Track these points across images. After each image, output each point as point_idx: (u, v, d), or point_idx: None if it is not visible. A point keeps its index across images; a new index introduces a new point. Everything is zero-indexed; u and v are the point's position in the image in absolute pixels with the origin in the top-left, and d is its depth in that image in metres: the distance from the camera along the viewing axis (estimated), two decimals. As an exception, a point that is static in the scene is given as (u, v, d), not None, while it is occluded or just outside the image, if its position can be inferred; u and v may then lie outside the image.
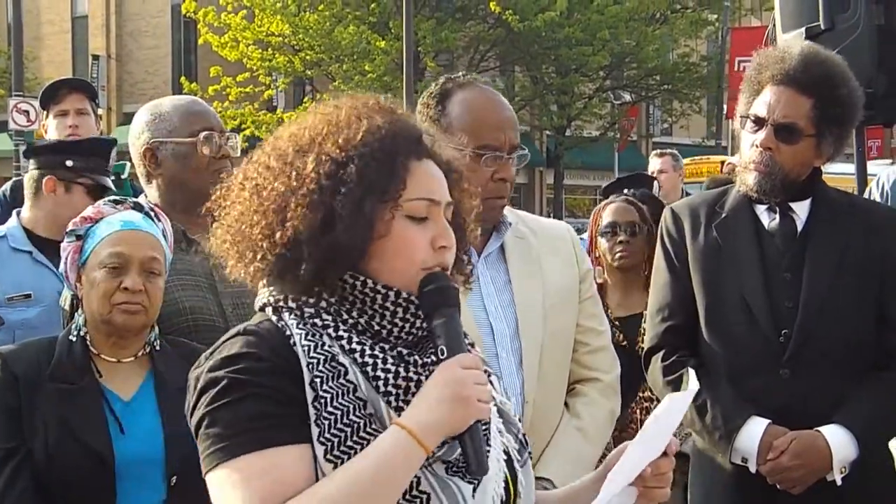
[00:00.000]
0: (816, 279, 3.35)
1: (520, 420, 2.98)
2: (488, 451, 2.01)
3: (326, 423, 1.91)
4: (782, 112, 3.35)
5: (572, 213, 36.40)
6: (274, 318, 2.02)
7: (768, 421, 3.30)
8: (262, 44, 29.26)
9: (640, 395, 4.60)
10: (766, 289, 3.36)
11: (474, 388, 1.94)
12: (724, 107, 28.52)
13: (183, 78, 31.49)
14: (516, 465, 2.11)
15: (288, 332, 1.99)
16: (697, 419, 3.40)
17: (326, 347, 1.97)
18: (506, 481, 2.06)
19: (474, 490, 1.96)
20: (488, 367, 2.20)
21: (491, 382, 2.16)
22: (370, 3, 29.08)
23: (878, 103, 5.30)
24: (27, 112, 19.28)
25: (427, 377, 1.97)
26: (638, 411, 4.68)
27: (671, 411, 2.14)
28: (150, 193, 3.52)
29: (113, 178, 5.36)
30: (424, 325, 2.03)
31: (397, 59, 27.15)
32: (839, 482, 3.25)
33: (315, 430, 1.91)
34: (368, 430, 1.92)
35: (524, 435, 2.19)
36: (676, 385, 3.43)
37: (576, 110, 32.81)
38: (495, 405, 2.14)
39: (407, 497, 1.92)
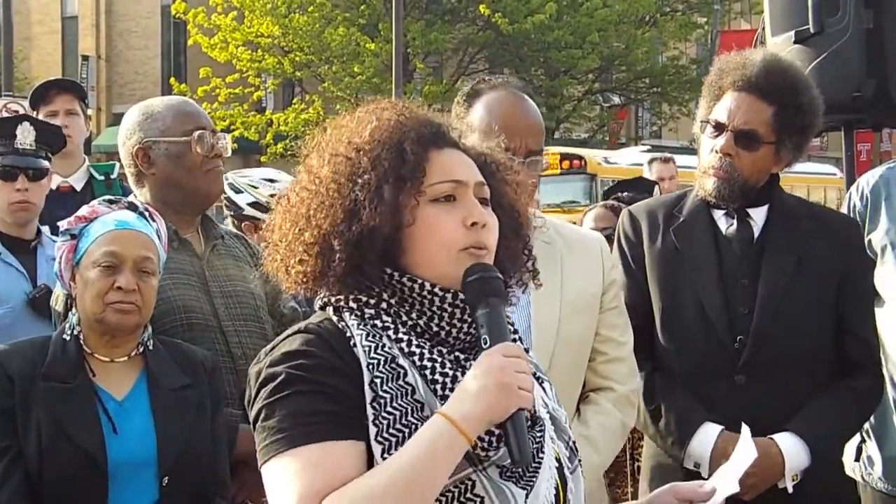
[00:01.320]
0: (772, 285, 3.35)
1: None
2: (537, 446, 2.02)
3: (385, 423, 1.94)
4: (742, 118, 3.34)
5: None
6: (335, 318, 2.05)
7: (722, 427, 3.29)
8: (252, 45, 29.22)
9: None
10: (722, 294, 3.36)
11: (515, 375, 1.93)
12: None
13: (172, 79, 31.42)
14: (566, 471, 2.12)
15: (348, 333, 2.02)
16: (651, 424, 3.40)
17: (387, 349, 2.00)
18: (556, 488, 2.07)
19: (527, 496, 1.97)
20: (540, 371, 2.22)
21: (544, 389, 2.19)
22: (360, 5, 29.08)
23: (867, 107, 5.34)
24: (17, 112, 19.22)
25: None
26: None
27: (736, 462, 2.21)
28: (141, 193, 3.52)
29: (102, 178, 5.37)
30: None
31: (387, 61, 27.15)
32: (790, 489, 3.27)
33: (373, 430, 1.93)
34: None
35: (574, 442, 2.20)
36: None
37: (565, 113, 32.82)
38: (548, 412, 2.14)
39: (461, 499, 1.94)
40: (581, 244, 3.28)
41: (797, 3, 5.44)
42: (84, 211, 3.12)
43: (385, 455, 1.92)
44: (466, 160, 2.12)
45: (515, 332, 2.15)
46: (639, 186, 6.91)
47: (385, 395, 1.96)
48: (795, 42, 5.35)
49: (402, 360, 1.99)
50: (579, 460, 2.19)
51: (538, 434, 2.04)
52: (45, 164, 4.39)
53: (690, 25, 33.32)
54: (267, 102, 31.94)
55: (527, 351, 2.15)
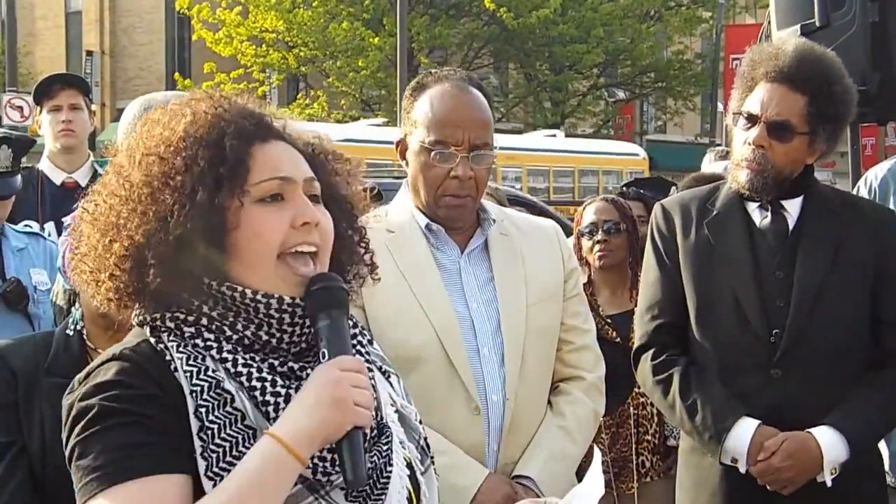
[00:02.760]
0: (808, 278, 3.31)
1: (501, 417, 3.00)
2: (385, 460, 1.91)
3: (214, 456, 1.78)
4: (775, 110, 3.31)
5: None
6: (153, 340, 1.87)
7: (759, 421, 3.27)
8: (256, 40, 29.25)
9: (637, 390, 4.60)
10: (757, 287, 3.33)
11: (350, 390, 1.80)
12: (721, 105, 28.52)
13: (177, 74, 31.44)
14: (418, 475, 2.00)
15: (168, 356, 1.84)
16: (687, 419, 3.36)
17: (210, 373, 1.82)
18: (409, 496, 1.95)
19: None
20: (386, 364, 2.11)
21: (391, 383, 2.07)
22: (364, 0, 29.08)
23: (872, 101, 5.32)
24: (21, 108, 19.28)
25: None
26: (632, 407, 4.69)
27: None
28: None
29: (102, 174, 5.37)
30: (306, 325, 1.91)
31: (391, 56, 27.13)
32: (829, 483, 3.23)
33: (202, 463, 1.77)
34: None
35: (426, 439, 2.08)
36: (666, 384, 3.43)
37: (570, 108, 32.83)
38: (395, 410, 2.02)
39: None
40: (538, 234, 3.24)
41: (803, -3, 5.44)
42: (87, 206, 3.11)
43: None
44: (294, 154, 1.97)
45: (360, 340, 2.02)
46: (654, 185, 6.88)
47: (212, 424, 1.79)
48: (801, 36, 5.33)
49: (227, 384, 1.81)
50: (431, 458, 2.08)
51: (384, 446, 1.92)
52: (17, 183, 4.37)
53: (695, 20, 33.30)
54: (271, 97, 31.94)
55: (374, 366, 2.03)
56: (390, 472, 1.90)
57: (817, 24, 5.35)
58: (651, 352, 3.49)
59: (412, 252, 3.04)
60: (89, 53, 35.98)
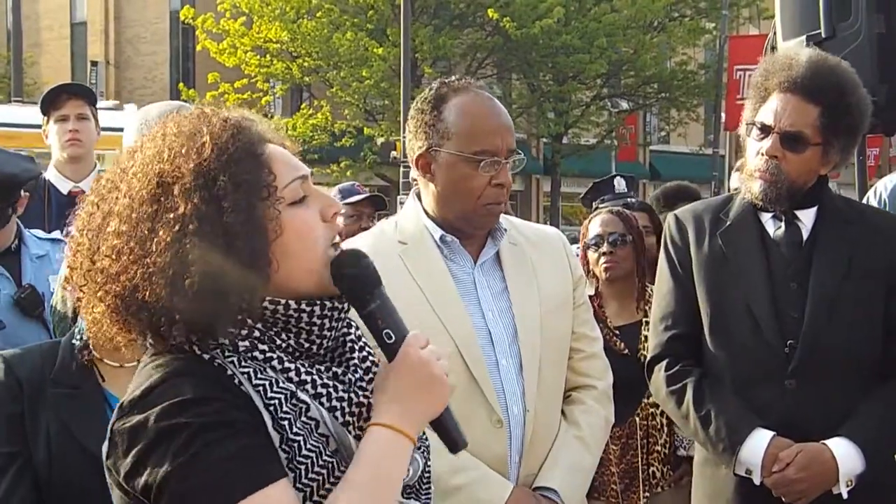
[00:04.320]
0: (822, 288, 3.30)
1: (522, 429, 2.99)
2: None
3: (302, 467, 1.78)
4: (789, 120, 3.30)
5: (569, 221, 36.37)
6: (205, 357, 1.82)
7: (773, 433, 3.26)
8: (260, 50, 29.26)
9: (646, 400, 4.60)
10: (771, 298, 3.32)
11: (438, 364, 1.88)
12: (723, 116, 28.54)
13: (181, 84, 31.49)
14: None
15: (229, 372, 1.81)
16: (701, 430, 3.35)
17: (283, 385, 1.81)
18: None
19: None
20: None
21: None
22: (368, 10, 29.09)
23: (879, 112, 5.32)
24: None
25: (369, 396, 1.88)
26: (639, 419, 4.68)
27: None
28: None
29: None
30: (341, 325, 1.92)
31: (395, 66, 27.14)
32: (845, 496, 3.22)
33: (290, 476, 1.77)
34: (340, 469, 1.81)
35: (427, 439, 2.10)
36: (680, 395, 3.42)
37: (573, 118, 32.79)
38: None
39: None
40: (545, 242, 3.25)
41: (809, 8, 5.44)
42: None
43: (308, 502, 1.79)
44: (284, 150, 1.95)
45: (365, 342, 2.02)
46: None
47: (297, 437, 1.79)
48: (807, 47, 5.33)
49: (301, 395, 1.81)
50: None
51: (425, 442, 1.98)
52: (3, 218, 4.29)
53: (699, 31, 33.27)
54: (275, 108, 31.98)
55: None
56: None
57: (823, 34, 5.35)
58: (665, 362, 3.48)
59: (427, 264, 3.04)
60: (94, 63, 36.03)
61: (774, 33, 6.12)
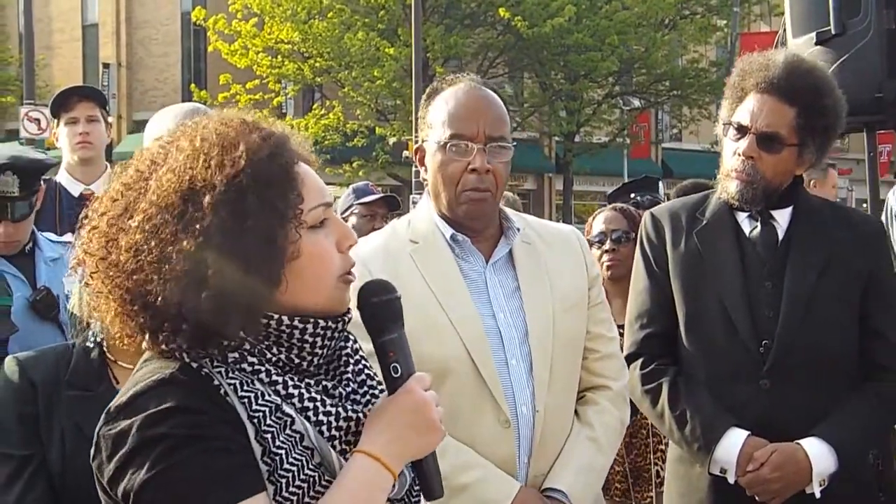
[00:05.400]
0: (797, 288, 3.31)
1: (531, 429, 2.98)
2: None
3: (283, 480, 1.79)
4: (765, 121, 3.30)
5: (581, 219, 36.31)
6: (194, 366, 1.81)
7: (748, 432, 3.26)
8: (272, 51, 29.32)
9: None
10: (746, 297, 3.33)
11: (437, 410, 1.89)
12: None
13: (193, 85, 31.56)
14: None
15: (216, 382, 1.80)
16: (676, 429, 3.36)
17: (268, 397, 1.81)
18: None
19: None
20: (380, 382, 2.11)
21: None
22: (379, 11, 29.13)
23: (888, 108, 5.32)
24: (38, 120, 19.35)
25: (358, 411, 1.89)
26: (643, 418, 4.68)
27: None
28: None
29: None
30: (334, 344, 1.93)
31: (406, 66, 27.18)
32: (818, 495, 3.23)
33: (270, 488, 1.77)
34: (324, 482, 1.82)
35: None
36: (656, 394, 3.43)
37: (585, 116, 32.79)
38: None
39: None
40: (561, 241, 3.22)
41: (818, 5, 5.44)
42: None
43: None
44: (314, 173, 1.94)
45: (366, 363, 2.02)
46: (644, 185, 6.88)
47: (279, 449, 1.79)
48: (817, 43, 5.34)
49: (286, 408, 1.81)
50: None
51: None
52: (29, 207, 4.29)
53: (710, 28, 33.23)
54: (287, 108, 32.03)
55: None
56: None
57: (833, 31, 5.35)
58: (640, 361, 3.49)
59: (438, 263, 3.02)
60: (106, 65, 36.12)
61: (784, 30, 6.11)
